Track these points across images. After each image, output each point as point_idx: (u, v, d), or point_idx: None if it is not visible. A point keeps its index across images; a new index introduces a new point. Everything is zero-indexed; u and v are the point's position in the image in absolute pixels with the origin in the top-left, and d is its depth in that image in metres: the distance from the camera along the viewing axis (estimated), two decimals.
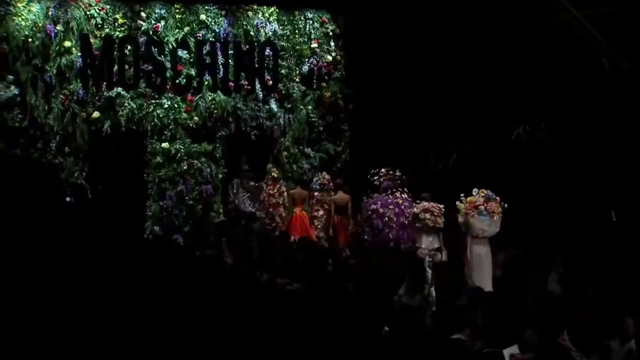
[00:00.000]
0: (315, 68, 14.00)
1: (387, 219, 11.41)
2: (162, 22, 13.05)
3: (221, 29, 13.33)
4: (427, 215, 10.46)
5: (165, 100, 12.90)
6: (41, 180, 12.27)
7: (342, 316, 7.46)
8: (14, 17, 12.45)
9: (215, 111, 13.11)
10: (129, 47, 12.89)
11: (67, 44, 12.56)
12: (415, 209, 10.74)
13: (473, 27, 12.73)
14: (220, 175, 13.19)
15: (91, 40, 12.76)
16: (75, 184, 12.54)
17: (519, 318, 6.89)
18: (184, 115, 12.96)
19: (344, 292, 8.49)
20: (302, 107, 13.92)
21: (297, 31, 13.96)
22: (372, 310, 7.69)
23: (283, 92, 13.79)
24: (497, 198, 9.94)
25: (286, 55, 13.88)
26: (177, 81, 13.08)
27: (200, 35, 13.22)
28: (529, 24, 12.22)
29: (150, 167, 12.87)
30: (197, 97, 13.08)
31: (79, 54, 12.65)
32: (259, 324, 7.27)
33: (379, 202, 11.59)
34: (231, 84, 13.38)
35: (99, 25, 12.83)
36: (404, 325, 7.24)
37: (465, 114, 13.16)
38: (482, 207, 9.80)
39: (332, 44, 14.28)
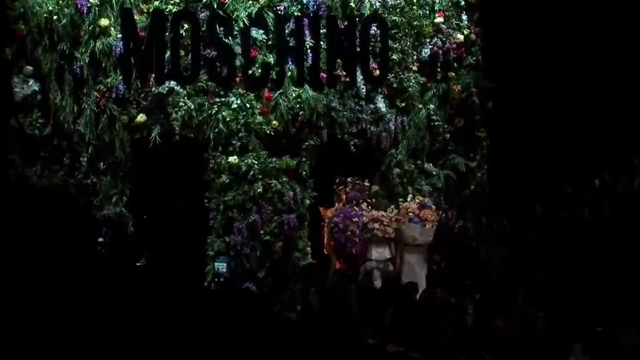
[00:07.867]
0: (440, 52, 13.32)
1: (349, 232, 12.47)
2: None
3: None
4: (376, 225, 12.37)
5: (233, 98, 12.23)
6: (68, 209, 11.72)
7: None
8: None
9: (300, 112, 12.37)
10: (185, 25, 12.17)
11: (104, 22, 12.02)
12: (364, 219, 12.39)
13: None
14: (308, 201, 12.53)
15: (135, 17, 12.17)
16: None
17: None
18: (259, 118, 12.28)
19: None
20: (420, 106, 13.26)
21: (414, 0, 13.25)
22: None
23: (395, 85, 13.10)
24: (433, 206, 12.46)
25: (399, 35, 13.14)
26: (250, 72, 12.28)
27: (282, 8, 12.40)
28: None
29: (213, 189, 12.21)
30: (276, 94, 12.33)
31: (119, 35, 12.10)
32: None
33: (342, 215, 12.57)
34: (323, 74, 12.59)
35: None
36: None
37: None
38: (412, 214, 12.40)
39: (464, 17, 13.63)
